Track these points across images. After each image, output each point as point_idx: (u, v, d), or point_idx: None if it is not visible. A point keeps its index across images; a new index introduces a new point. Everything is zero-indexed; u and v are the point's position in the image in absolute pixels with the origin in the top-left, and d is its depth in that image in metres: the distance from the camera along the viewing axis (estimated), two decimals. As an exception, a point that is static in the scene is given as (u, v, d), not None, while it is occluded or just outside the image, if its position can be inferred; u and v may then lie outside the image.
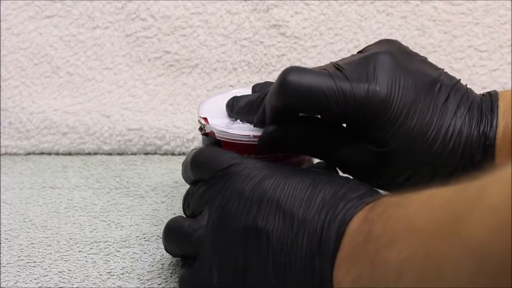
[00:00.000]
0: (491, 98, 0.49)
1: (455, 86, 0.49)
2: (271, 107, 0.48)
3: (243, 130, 0.50)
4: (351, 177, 0.46)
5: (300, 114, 0.49)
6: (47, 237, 0.57)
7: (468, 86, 0.50)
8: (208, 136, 0.51)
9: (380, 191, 0.44)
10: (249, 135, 0.50)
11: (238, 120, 0.51)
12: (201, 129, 0.51)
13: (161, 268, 0.53)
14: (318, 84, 0.46)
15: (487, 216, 0.28)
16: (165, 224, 0.49)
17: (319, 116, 0.49)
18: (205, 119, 0.51)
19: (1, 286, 0.51)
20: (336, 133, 0.49)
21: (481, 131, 0.47)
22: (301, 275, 0.41)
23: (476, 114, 0.48)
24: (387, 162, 0.48)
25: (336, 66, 0.48)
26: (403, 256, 0.33)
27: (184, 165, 0.50)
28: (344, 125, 0.49)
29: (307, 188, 0.43)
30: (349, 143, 0.49)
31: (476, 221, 0.28)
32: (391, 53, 0.49)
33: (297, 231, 0.41)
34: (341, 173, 0.50)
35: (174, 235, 0.48)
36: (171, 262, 0.54)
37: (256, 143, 0.49)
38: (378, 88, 0.46)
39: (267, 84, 0.54)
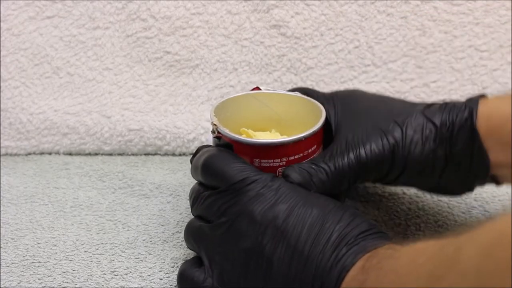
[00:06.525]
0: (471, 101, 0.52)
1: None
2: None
3: None
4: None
5: None
6: (54, 237, 0.57)
7: (469, 86, 0.51)
8: (221, 139, 0.50)
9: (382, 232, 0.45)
10: (261, 140, 0.50)
11: None
12: (213, 131, 0.51)
13: (163, 262, 0.53)
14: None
15: (460, 279, 0.31)
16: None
17: None
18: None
19: (5, 286, 0.51)
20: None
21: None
22: None
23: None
24: None
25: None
26: None
27: (193, 165, 0.50)
28: None
29: (315, 221, 0.43)
30: None
31: (450, 285, 0.31)
32: None
33: (298, 267, 0.42)
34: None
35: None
36: (173, 257, 0.54)
37: (266, 147, 0.49)
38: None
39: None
